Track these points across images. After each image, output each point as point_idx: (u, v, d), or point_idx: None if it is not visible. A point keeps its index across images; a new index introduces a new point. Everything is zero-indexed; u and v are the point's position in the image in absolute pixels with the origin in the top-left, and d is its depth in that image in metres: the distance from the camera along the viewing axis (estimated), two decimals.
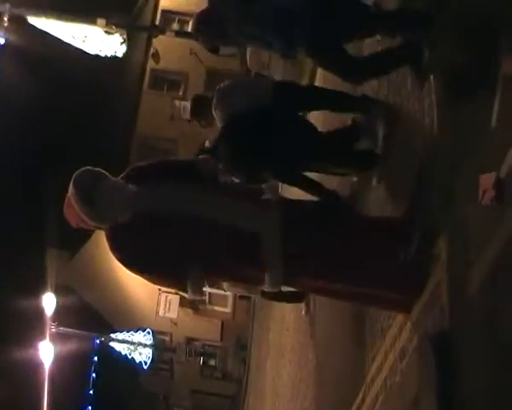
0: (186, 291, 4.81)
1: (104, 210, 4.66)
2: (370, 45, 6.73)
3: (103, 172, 4.77)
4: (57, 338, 30.92)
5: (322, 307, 9.68)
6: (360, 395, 6.15)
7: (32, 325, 30.84)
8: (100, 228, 4.86)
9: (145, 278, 4.96)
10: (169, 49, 36.50)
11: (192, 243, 4.67)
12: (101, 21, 28.73)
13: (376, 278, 4.62)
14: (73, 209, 4.72)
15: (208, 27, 5.96)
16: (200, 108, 7.78)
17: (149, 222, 4.67)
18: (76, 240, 36.01)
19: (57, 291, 30.76)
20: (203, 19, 6.11)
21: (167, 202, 4.71)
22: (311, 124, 6.98)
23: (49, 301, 30.14)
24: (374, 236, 4.77)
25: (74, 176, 4.68)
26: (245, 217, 4.66)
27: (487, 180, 3.49)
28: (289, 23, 5.23)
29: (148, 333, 36.44)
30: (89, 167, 4.76)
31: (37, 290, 30.36)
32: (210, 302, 34.83)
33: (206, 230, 4.64)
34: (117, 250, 4.82)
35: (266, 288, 4.78)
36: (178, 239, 4.68)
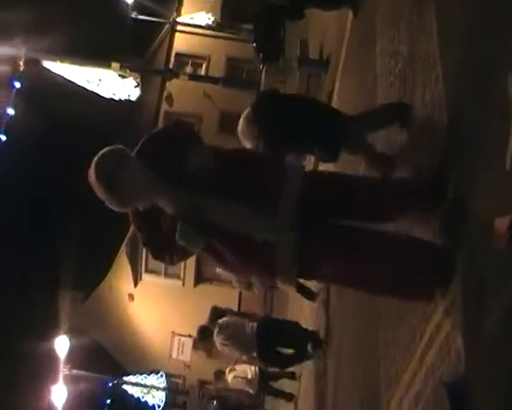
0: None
1: (123, 199, 4.57)
2: None
3: (124, 153, 4.63)
4: (70, 381, 30.80)
5: (337, 348, 9.65)
6: None
7: (44, 367, 30.78)
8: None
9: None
10: (182, 92, 36.73)
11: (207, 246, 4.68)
12: (115, 65, 28.98)
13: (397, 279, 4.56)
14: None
15: None
16: (204, 335, 11.18)
17: (167, 219, 4.65)
18: (89, 281, 36.10)
19: (70, 333, 30.71)
20: None
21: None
22: None
23: (62, 344, 30.06)
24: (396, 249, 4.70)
25: (96, 160, 4.53)
26: (260, 229, 4.59)
27: (502, 223, 3.46)
28: None
29: (162, 376, 36.30)
30: (110, 149, 4.61)
31: (50, 332, 30.32)
32: None
33: (224, 236, 4.62)
34: (137, 227, 4.84)
35: (279, 285, 4.80)
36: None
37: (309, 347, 11.83)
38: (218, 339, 11.17)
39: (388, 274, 4.55)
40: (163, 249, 4.80)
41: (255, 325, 11.25)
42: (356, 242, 4.61)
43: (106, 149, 4.61)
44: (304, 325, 12.58)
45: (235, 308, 29.44)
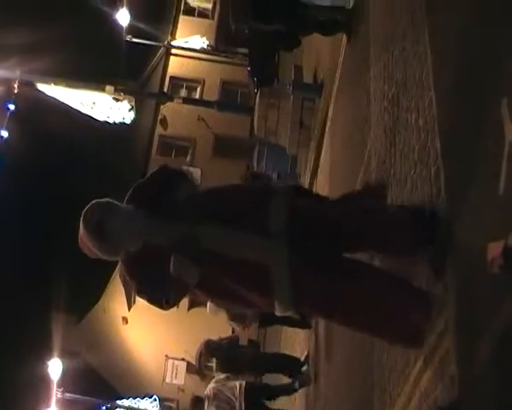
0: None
1: (114, 243, 4.62)
2: None
3: (111, 202, 4.70)
4: (63, 404, 30.67)
5: (328, 374, 9.62)
6: None
7: (37, 390, 30.65)
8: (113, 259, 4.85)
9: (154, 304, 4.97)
10: (177, 116, 36.82)
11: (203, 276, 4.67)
12: (109, 88, 29.03)
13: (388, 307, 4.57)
14: (86, 243, 4.69)
15: None
16: (197, 406, 11.95)
17: (160, 251, 4.63)
18: (83, 304, 36.02)
19: (64, 356, 30.60)
20: None
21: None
22: None
23: (55, 367, 29.95)
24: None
25: (83, 213, 4.61)
26: (254, 250, 4.61)
27: (495, 248, 3.47)
28: None
29: (155, 400, 36.18)
30: (97, 201, 4.69)
31: (43, 355, 30.23)
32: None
33: (218, 265, 4.63)
34: (130, 275, 4.83)
35: (277, 312, 4.75)
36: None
37: (296, 385, 12.56)
38: None
39: (378, 306, 4.58)
40: (158, 294, 4.80)
41: (243, 386, 11.61)
42: (347, 268, 4.64)
43: (92, 202, 4.69)
44: (298, 350, 12.75)
45: (229, 333, 29.40)
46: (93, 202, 4.69)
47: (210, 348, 12.99)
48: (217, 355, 12.56)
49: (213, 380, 12.33)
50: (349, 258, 4.73)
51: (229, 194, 4.91)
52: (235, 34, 14.68)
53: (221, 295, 4.87)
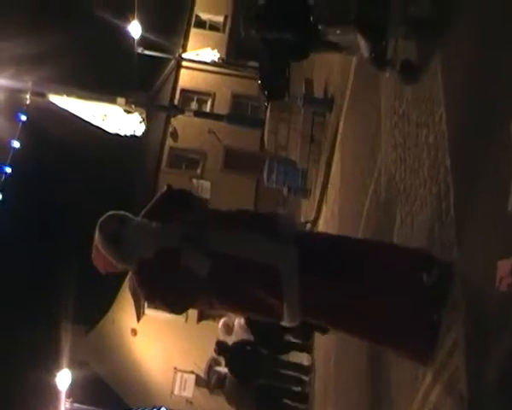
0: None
1: (130, 249, 4.75)
2: None
3: (126, 214, 4.89)
4: None
5: (336, 390, 9.61)
6: None
7: (46, 401, 30.66)
8: (127, 268, 4.97)
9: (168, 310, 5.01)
10: (187, 128, 36.84)
11: (214, 276, 4.72)
12: (120, 100, 29.12)
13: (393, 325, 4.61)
14: (100, 255, 4.82)
15: None
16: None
17: (173, 256, 4.71)
18: (92, 314, 36.04)
19: (72, 367, 30.60)
20: None
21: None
22: None
23: (64, 378, 29.94)
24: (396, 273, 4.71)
25: (99, 222, 4.79)
26: (264, 252, 4.67)
27: (504, 266, 3.48)
28: None
29: None
30: (112, 212, 4.88)
31: (52, 366, 30.23)
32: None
33: (228, 266, 4.70)
34: (143, 284, 4.89)
35: (285, 322, 4.79)
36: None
37: None
38: None
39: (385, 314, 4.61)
40: (169, 298, 4.85)
41: None
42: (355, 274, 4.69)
43: (108, 213, 4.89)
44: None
45: None
46: (109, 212, 4.87)
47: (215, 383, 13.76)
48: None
49: None
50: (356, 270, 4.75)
51: (241, 212, 5.07)
52: (244, 44, 14.73)
53: (231, 302, 4.92)
